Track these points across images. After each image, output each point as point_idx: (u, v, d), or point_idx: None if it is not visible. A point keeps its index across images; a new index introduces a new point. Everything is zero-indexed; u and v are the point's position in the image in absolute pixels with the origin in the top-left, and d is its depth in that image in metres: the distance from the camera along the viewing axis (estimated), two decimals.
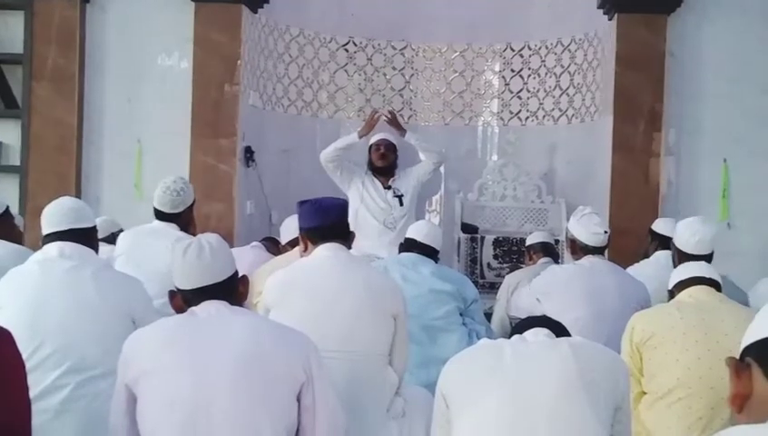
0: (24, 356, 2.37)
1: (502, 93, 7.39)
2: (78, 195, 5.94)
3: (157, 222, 4.35)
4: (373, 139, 6.28)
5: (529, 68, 7.25)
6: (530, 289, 4.31)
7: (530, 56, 7.24)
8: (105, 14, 6.30)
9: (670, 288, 3.49)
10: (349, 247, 3.46)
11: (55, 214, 3.31)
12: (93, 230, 3.43)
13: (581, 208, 4.41)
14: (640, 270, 4.53)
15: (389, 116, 6.33)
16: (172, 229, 4.24)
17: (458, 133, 7.44)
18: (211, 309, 2.55)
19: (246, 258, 4.57)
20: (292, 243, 4.57)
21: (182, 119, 6.16)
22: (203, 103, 6.19)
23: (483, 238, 6.53)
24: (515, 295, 4.62)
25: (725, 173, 6.12)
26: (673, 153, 6.15)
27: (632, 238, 5.64)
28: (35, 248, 3.49)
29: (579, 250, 4.27)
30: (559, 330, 2.61)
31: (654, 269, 4.35)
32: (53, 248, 3.25)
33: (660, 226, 4.95)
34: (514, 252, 6.43)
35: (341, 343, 3.16)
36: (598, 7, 6.36)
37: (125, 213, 5.84)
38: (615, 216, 5.97)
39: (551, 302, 4.09)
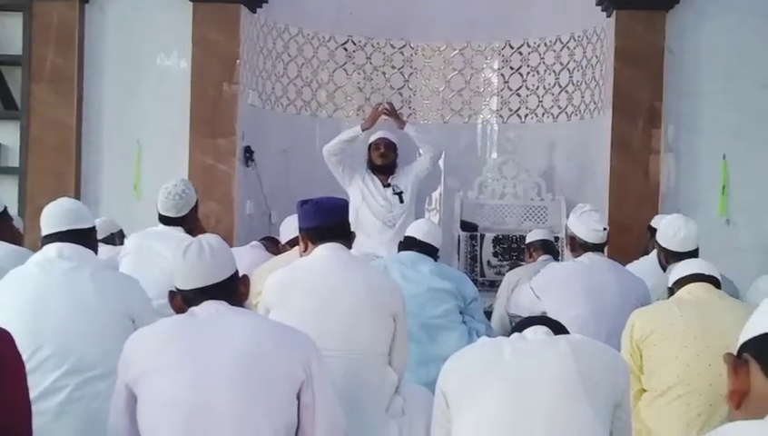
0: (23, 357, 2.38)
1: (501, 90, 7.38)
2: (77, 196, 5.94)
3: (162, 227, 4.35)
4: (373, 137, 6.28)
5: (528, 65, 7.25)
6: (530, 287, 4.31)
7: (529, 54, 7.24)
8: (104, 14, 6.30)
9: (669, 285, 3.50)
10: (350, 247, 3.46)
11: (54, 215, 3.31)
12: (92, 231, 3.43)
13: (580, 205, 4.41)
14: (639, 266, 4.54)
15: (389, 108, 6.32)
16: (177, 232, 4.24)
17: (458, 130, 7.44)
18: (211, 309, 2.55)
19: (245, 258, 4.56)
20: (292, 243, 4.57)
21: (180, 119, 6.16)
22: (202, 102, 6.20)
23: (483, 236, 6.53)
24: (515, 293, 4.62)
25: (724, 170, 6.11)
26: (672, 150, 6.15)
27: (631, 235, 5.65)
28: (35, 249, 3.49)
29: (579, 247, 4.27)
30: (559, 329, 2.61)
31: (652, 265, 4.36)
32: (52, 249, 3.25)
33: (658, 223, 4.95)
34: (514, 250, 6.44)
35: (341, 342, 3.17)
36: (597, 4, 6.36)
37: (124, 214, 5.85)
38: (615, 213, 5.98)
39: (551, 299, 4.09)
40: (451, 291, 4.26)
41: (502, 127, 7.42)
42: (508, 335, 2.63)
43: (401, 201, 6.13)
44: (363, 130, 6.18)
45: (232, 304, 2.60)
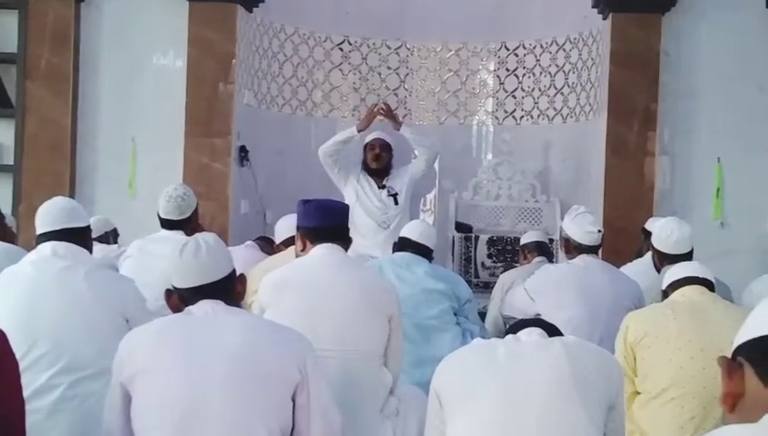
0: (17, 356, 2.37)
1: (497, 92, 7.39)
2: (72, 195, 5.94)
3: (164, 232, 4.35)
4: (368, 138, 6.26)
5: (524, 67, 7.25)
6: (524, 288, 4.31)
7: (525, 55, 7.24)
8: (100, 13, 6.29)
9: (663, 288, 3.50)
10: (347, 250, 3.47)
11: (49, 214, 3.31)
12: (87, 229, 3.43)
13: (575, 207, 4.41)
14: (633, 269, 4.54)
15: (385, 109, 6.31)
16: (178, 235, 4.24)
17: (453, 132, 7.44)
18: (207, 308, 2.55)
19: (240, 257, 4.52)
20: (287, 243, 4.57)
21: (176, 118, 6.16)
22: (198, 102, 6.19)
23: (477, 237, 6.53)
24: (509, 295, 4.62)
25: (719, 172, 6.12)
26: (667, 153, 6.16)
27: (626, 237, 5.66)
28: (29, 248, 3.48)
29: (573, 249, 4.27)
30: (553, 330, 2.61)
31: (647, 268, 4.36)
32: (46, 248, 3.25)
33: (652, 225, 4.96)
34: (508, 252, 6.43)
35: (335, 342, 3.17)
36: (593, 7, 6.37)
37: (119, 213, 5.84)
38: (610, 215, 5.99)
39: (545, 301, 4.10)
40: (445, 292, 4.26)
41: (497, 129, 7.43)
42: (502, 337, 2.63)
43: (396, 202, 6.11)
44: (359, 131, 6.15)
45: (229, 304, 2.59)
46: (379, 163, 6.16)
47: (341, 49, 7.33)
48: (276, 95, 7.03)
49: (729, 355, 1.55)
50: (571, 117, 6.94)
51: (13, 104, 6.26)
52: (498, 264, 6.39)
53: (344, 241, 3.43)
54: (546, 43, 7.09)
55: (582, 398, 2.38)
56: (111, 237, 5.42)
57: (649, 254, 4.37)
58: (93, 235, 3.70)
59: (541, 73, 7.15)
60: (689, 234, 4.08)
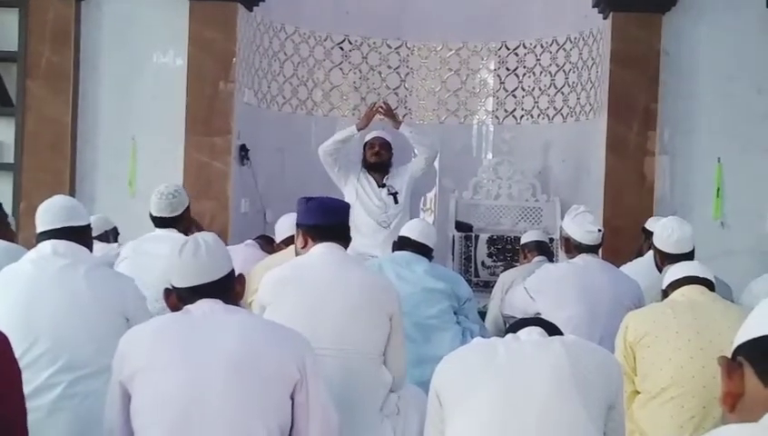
0: (17, 354, 2.38)
1: (497, 91, 7.39)
2: (72, 193, 5.94)
3: (158, 231, 4.35)
4: (368, 137, 6.25)
5: (524, 67, 7.26)
6: (524, 287, 4.32)
7: (525, 55, 7.24)
8: (100, 11, 6.29)
9: (663, 288, 3.50)
10: (347, 248, 3.47)
11: (49, 212, 3.31)
12: (87, 228, 3.43)
13: (575, 207, 4.42)
14: (633, 268, 4.55)
15: (385, 108, 6.30)
16: (173, 233, 4.24)
17: (453, 131, 7.44)
18: (205, 307, 2.55)
19: (239, 256, 4.55)
20: (287, 242, 4.57)
21: (176, 117, 6.16)
22: (198, 100, 6.19)
23: (477, 236, 6.53)
24: (509, 294, 4.62)
25: (719, 172, 6.12)
26: (667, 152, 6.16)
27: (626, 237, 5.66)
28: (29, 246, 3.48)
29: (573, 248, 4.28)
30: (553, 330, 2.61)
31: (647, 267, 4.36)
32: (46, 246, 3.24)
33: (653, 225, 4.96)
34: (508, 251, 6.44)
35: (334, 340, 3.17)
36: (593, 6, 6.37)
37: (119, 212, 5.83)
38: (610, 215, 5.99)
39: (545, 300, 4.10)
40: (445, 291, 4.26)
41: (497, 128, 7.43)
42: (502, 336, 2.63)
43: (396, 201, 6.10)
44: (359, 129, 6.13)
45: (228, 303, 2.59)
46: (378, 158, 6.14)
47: (342, 48, 7.33)
48: (276, 94, 7.03)
49: (729, 355, 1.55)
50: (571, 117, 6.95)
51: (13, 102, 6.25)
52: (498, 264, 6.39)
53: (344, 240, 3.44)
54: (547, 42, 7.09)
55: (582, 397, 2.38)
56: (111, 236, 5.42)
57: (649, 254, 4.38)
58: (94, 234, 3.70)
59: (541, 72, 7.15)
60: (690, 234, 4.09)
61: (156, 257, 4.03)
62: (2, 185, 6.14)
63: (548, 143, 7.12)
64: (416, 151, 6.36)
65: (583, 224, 4.23)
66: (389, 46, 7.42)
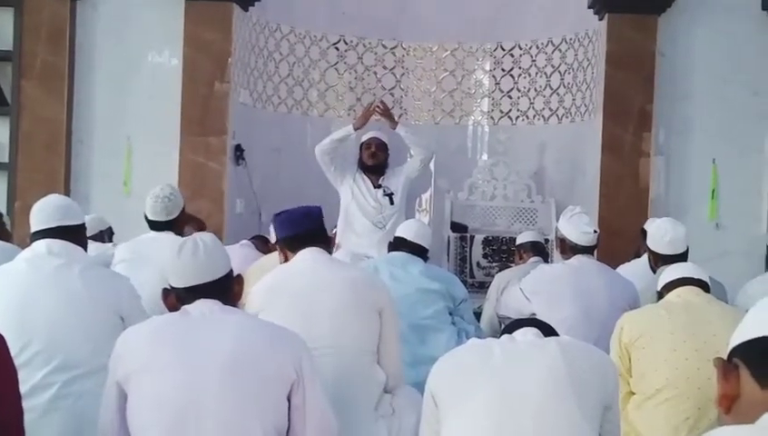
0: (12, 354, 2.37)
1: (492, 92, 7.40)
2: (67, 193, 5.93)
3: (154, 233, 4.34)
4: (364, 137, 6.22)
5: (520, 68, 7.26)
6: (520, 288, 4.31)
7: (521, 56, 7.25)
8: (95, 11, 6.29)
9: (659, 289, 3.50)
10: (330, 252, 3.48)
11: (44, 212, 3.30)
12: (82, 227, 3.42)
13: (571, 208, 4.41)
14: (630, 269, 4.55)
15: (382, 107, 6.28)
16: (169, 236, 4.23)
17: (449, 132, 7.45)
18: (203, 308, 2.55)
19: (235, 256, 4.51)
20: None
21: (171, 117, 6.15)
22: (193, 100, 6.19)
23: (473, 237, 6.53)
24: (504, 294, 4.62)
25: (714, 174, 6.13)
26: (662, 154, 6.17)
27: (621, 238, 5.66)
28: (24, 245, 3.48)
29: (569, 249, 4.27)
30: (548, 330, 2.61)
31: (643, 268, 4.37)
32: (41, 245, 3.24)
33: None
34: (503, 252, 6.44)
35: (327, 339, 3.17)
36: (589, 7, 6.37)
37: (114, 211, 5.83)
38: (605, 216, 5.99)
39: (540, 301, 4.10)
40: (441, 291, 4.26)
41: (493, 129, 7.43)
42: (498, 336, 2.63)
43: (392, 202, 6.09)
44: (355, 129, 6.11)
45: (226, 304, 2.59)
46: (375, 159, 6.12)
47: (337, 48, 7.33)
48: (272, 94, 7.02)
49: (724, 356, 1.55)
50: (566, 118, 6.95)
51: (8, 102, 6.25)
52: (494, 264, 6.39)
53: (324, 244, 3.45)
54: (542, 43, 7.10)
55: (577, 398, 2.38)
56: (106, 235, 5.41)
57: (647, 255, 4.38)
58: (88, 234, 3.69)
59: (537, 73, 7.16)
60: (684, 235, 4.09)
61: (155, 259, 4.01)
62: None
63: (544, 144, 7.13)
64: (411, 152, 6.35)
65: (578, 225, 4.23)
66: (385, 47, 7.43)
